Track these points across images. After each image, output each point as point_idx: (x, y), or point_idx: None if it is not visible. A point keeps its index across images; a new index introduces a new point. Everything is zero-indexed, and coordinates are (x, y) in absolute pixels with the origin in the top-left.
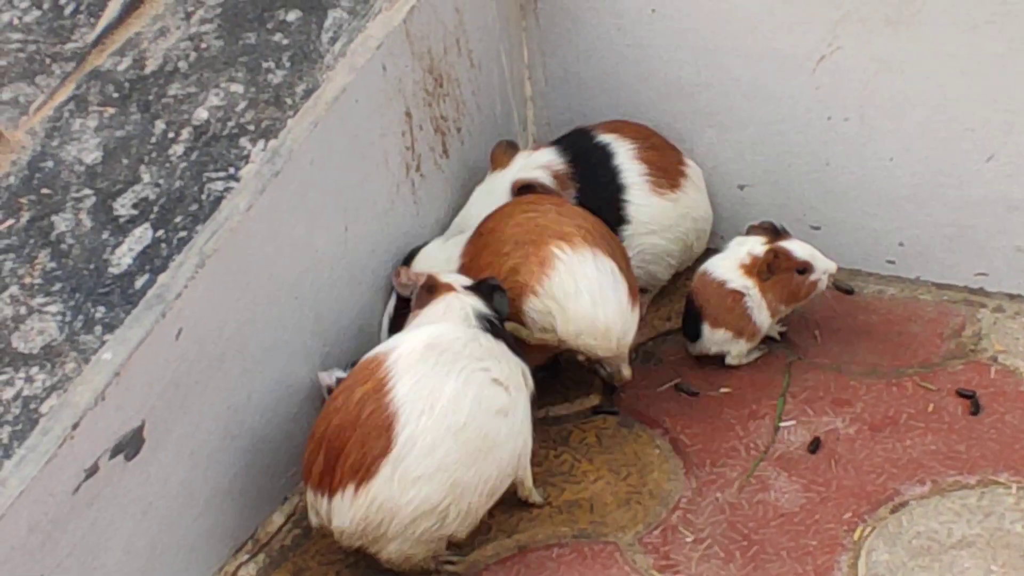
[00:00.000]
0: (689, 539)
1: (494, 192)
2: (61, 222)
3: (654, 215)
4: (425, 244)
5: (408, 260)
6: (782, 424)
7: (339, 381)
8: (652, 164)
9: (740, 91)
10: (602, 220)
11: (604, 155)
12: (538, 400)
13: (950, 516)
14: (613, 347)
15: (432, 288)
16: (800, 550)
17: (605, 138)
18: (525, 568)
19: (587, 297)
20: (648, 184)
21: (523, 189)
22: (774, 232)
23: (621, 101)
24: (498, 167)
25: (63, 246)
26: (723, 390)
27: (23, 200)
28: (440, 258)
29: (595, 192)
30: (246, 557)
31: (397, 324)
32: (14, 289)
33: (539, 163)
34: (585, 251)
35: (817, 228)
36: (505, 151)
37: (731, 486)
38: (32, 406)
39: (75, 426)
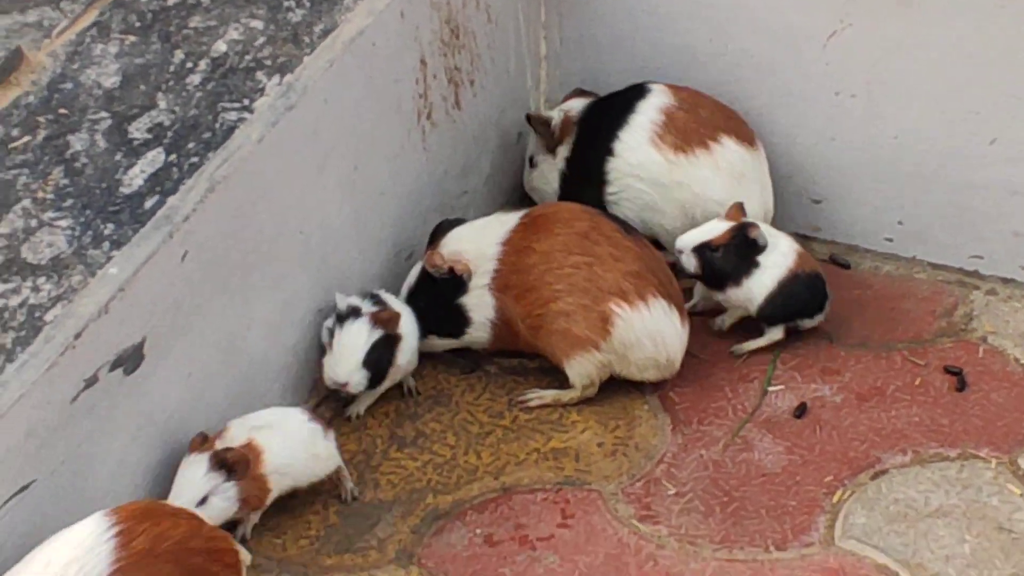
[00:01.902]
0: (671, 492)
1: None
2: (76, 142)
3: (641, 162)
4: (456, 222)
5: (436, 234)
6: (770, 388)
7: (350, 308)
8: (673, 121)
9: (751, 63)
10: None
11: (632, 100)
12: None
13: (929, 486)
14: (673, 370)
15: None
16: (779, 509)
17: (650, 87)
18: (508, 509)
19: (648, 343)
20: (652, 133)
21: (533, 123)
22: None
23: (634, 65)
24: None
25: (77, 164)
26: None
27: (40, 119)
28: (471, 244)
29: (600, 128)
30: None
31: (415, 301)
32: (26, 203)
33: (566, 106)
34: (640, 304)
35: (818, 202)
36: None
37: (716, 444)
38: (37, 314)
39: (77, 336)
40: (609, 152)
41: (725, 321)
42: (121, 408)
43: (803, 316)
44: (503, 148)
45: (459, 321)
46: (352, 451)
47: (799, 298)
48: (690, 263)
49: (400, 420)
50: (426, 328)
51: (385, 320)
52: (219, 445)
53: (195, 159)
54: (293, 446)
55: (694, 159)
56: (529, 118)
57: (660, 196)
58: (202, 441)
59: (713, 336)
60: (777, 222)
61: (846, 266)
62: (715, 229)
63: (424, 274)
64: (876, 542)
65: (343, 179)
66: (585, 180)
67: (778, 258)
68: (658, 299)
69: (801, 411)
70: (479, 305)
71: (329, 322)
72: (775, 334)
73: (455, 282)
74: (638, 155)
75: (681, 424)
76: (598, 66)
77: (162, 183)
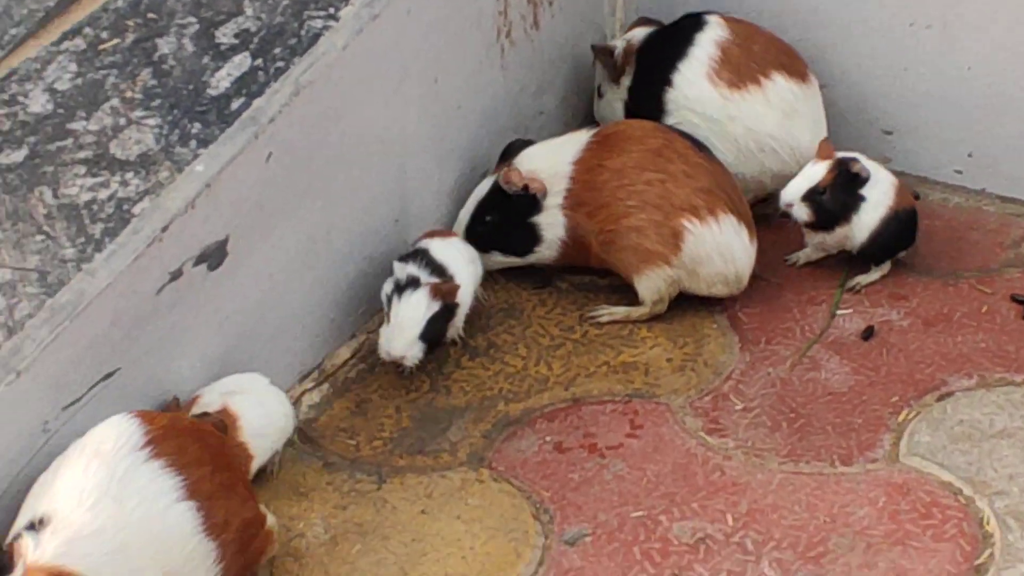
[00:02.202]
0: (739, 407)
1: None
2: (164, 45)
3: (696, 96)
4: (527, 142)
5: (507, 153)
6: (838, 312)
7: (409, 278)
8: (728, 56)
9: None
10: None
11: (690, 32)
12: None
13: (993, 408)
14: (741, 286)
15: None
16: (845, 426)
17: (707, 19)
18: (578, 419)
19: (718, 259)
20: (708, 68)
21: (598, 53)
22: None
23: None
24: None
25: (164, 67)
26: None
27: (129, 23)
28: (544, 163)
29: (661, 59)
30: (311, 385)
31: (483, 217)
32: (115, 102)
33: (630, 35)
34: (711, 220)
35: (889, 133)
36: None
37: (783, 363)
38: (125, 207)
39: (164, 229)
40: (668, 83)
41: (800, 258)
42: (203, 303)
43: (902, 250)
44: (578, 71)
45: (529, 240)
46: (425, 359)
47: (899, 235)
48: (802, 213)
49: (472, 331)
50: (491, 244)
51: (445, 292)
52: (194, 411)
53: (281, 64)
54: (268, 410)
55: (747, 95)
56: (594, 48)
57: (714, 130)
58: (176, 407)
59: (781, 262)
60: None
61: (915, 197)
62: (815, 173)
63: (496, 191)
64: (940, 460)
65: (423, 91)
66: (646, 110)
67: (880, 195)
68: (728, 215)
69: (868, 334)
70: (551, 224)
71: (387, 287)
72: (884, 268)
73: (529, 200)
74: (694, 89)
75: (749, 343)
76: None
77: (248, 86)
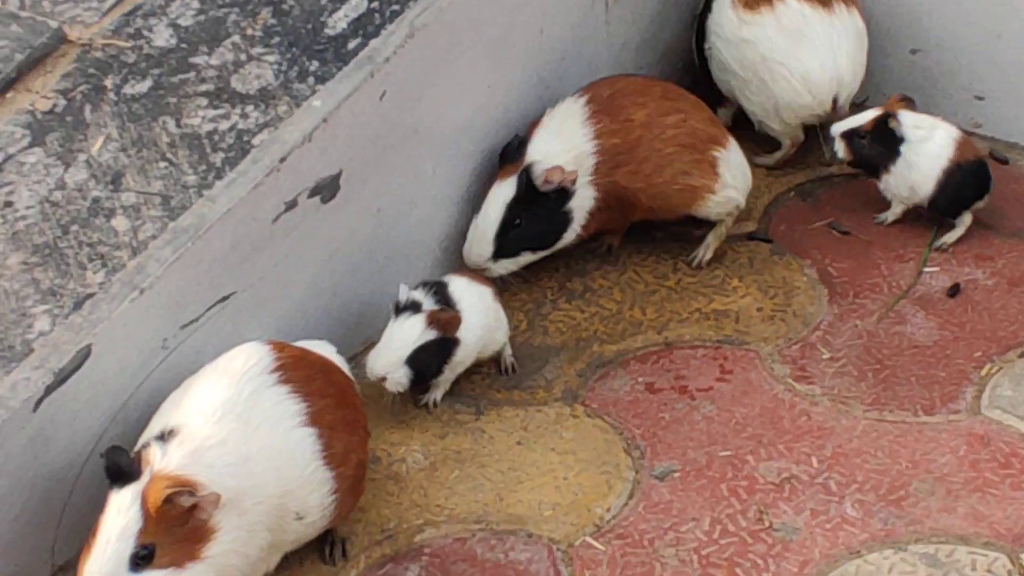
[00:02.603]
0: (826, 356)
1: None
2: None
3: (720, 21)
4: (522, 140)
5: (507, 156)
6: (925, 269)
7: (409, 302)
8: None
9: None
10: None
11: None
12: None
13: None
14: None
15: None
16: (929, 379)
17: None
18: (670, 362)
19: (742, 177)
20: None
21: None
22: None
23: None
24: None
25: (284, 6)
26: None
27: None
28: (561, 149)
29: None
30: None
31: (512, 223)
32: (236, 38)
33: None
34: (729, 143)
35: (981, 98)
36: None
37: (870, 316)
38: (245, 138)
39: (282, 160)
40: (708, 8)
41: (887, 217)
42: (316, 234)
43: (973, 203)
44: (680, 29)
45: (560, 227)
46: (523, 300)
47: (966, 187)
48: (840, 149)
49: (569, 275)
50: (522, 246)
51: (443, 322)
52: None
53: (396, 7)
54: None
55: (759, 17)
56: None
57: (733, 55)
58: None
59: (872, 221)
60: (940, 116)
61: (1004, 161)
62: (864, 117)
63: (522, 194)
64: (1021, 413)
65: (528, 40)
66: (698, 35)
67: (935, 149)
68: (731, 137)
69: (954, 291)
70: (581, 204)
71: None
72: (965, 222)
73: (560, 191)
74: (718, 15)
75: (838, 296)
76: None
77: (364, 27)
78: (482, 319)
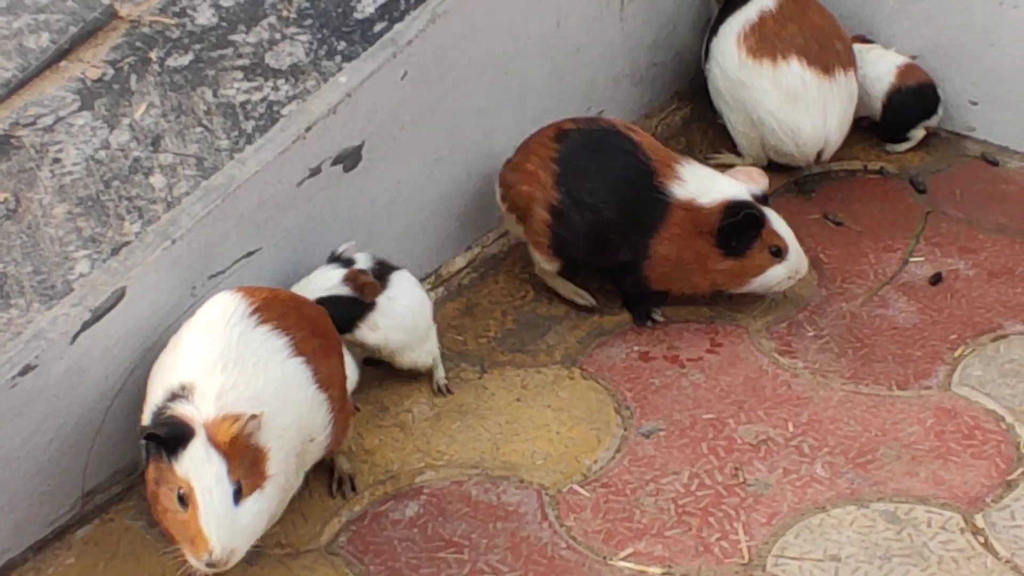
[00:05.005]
0: (810, 334)
1: None
2: None
3: (723, 51)
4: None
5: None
6: (911, 259)
7: (341, 255)
8: (761, 26)
9: None
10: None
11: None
12: None
13: None
14: None
15: None
16: (905, 357)
17: None
18: (664, 334)
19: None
20: (741, 29)
21: None
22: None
23: None
24: None
25: None
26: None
27: None
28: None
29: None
30: (428, 287)
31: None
32: (272, 19)
33: None
34: None
35: (975, 103)
36: None
37: (856, 299)
38: (275, 109)
39: (308, 129)
40: (715, 32)
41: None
42: (337, 200)
43: (918, 122)
44: (694, 29)
45: None
46: (531, 272)
47: (907, 108)
48: None
49: None
50: None
51: (360, 283)
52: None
53: None
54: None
55: (759, 67)
56: None
57: (728, 88)
58: None
59: (863, 212)
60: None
61: (995, 163)
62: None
63: None
64: (988, 391)
65: (545, 31)
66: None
67: (879, 74)
68: None
69: (936, 279)
70: None
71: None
72: (916, 135)
73: None
74: (725, 43)
75: (827, 280)
76: None
77: (390, 12)
78: (407, 315)
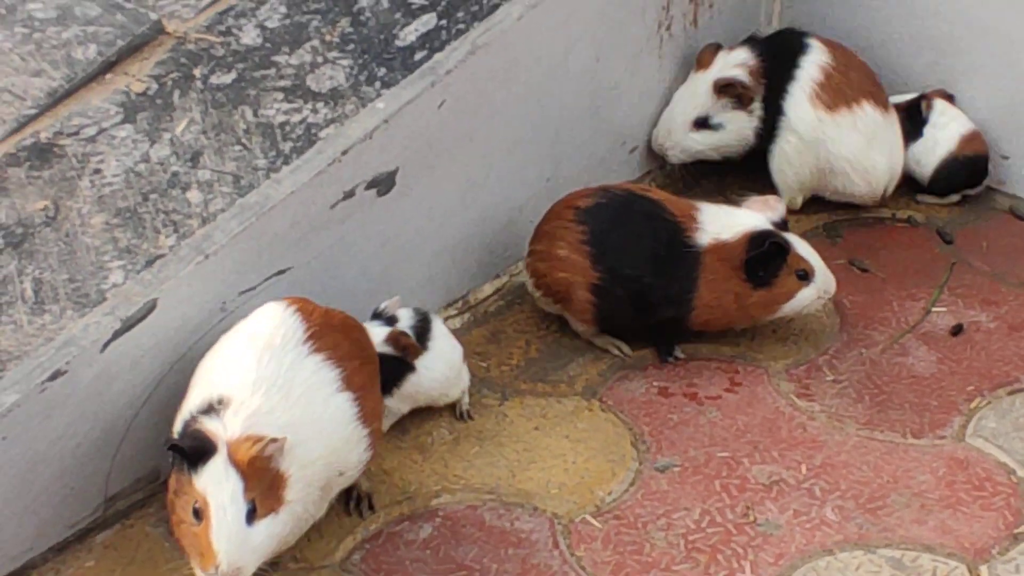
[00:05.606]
0: (829, 378)
1: (697, 93)
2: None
3: (798, 117)
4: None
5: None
6: (934, 309)
7: (385, 313)
8: (829, 80)
9: (963, 23)
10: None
11: (792, 54)
12: None
13: None
14: None
15: None
16: (921, 406)
17: (808, 41)
18: (685, 371)
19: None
20: (811, 90)
21: (724, 88)
22: None
23: (858, 16)
24: (701, 68)
25: (362, 17)
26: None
27: None
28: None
29: (774, 83)
30: (454, 312)
31: None
32: (315, 42)
33: (736, 61)
34: None
35: (1006, 158)
36: (710, 53)
37: (876, 346)
38: (313, 131)
39: (344, 153)
40: (780, 110)
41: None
42: (370, 223)
43: (962, 189)
44: None
45: None
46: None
47: (959, 176)
48: None
49: None
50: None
51: (402, 344)
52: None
53: (462, 26)
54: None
55: (838, 118)
56: (718, 85)
57: (800, 150)
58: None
59: (889, 259)
60: None
61: (1023, 218)
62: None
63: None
64: (1001, 444)
65: (584, 67)
66: (770, 132)
67: (947, 140)
68: None
69: (957, 330)
70: None
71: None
72: (951, 197)
73: None
74: (798, 110)
75: (848, 326)
76: (827, 11)
77: (431, 41)
78: (444, 368)
